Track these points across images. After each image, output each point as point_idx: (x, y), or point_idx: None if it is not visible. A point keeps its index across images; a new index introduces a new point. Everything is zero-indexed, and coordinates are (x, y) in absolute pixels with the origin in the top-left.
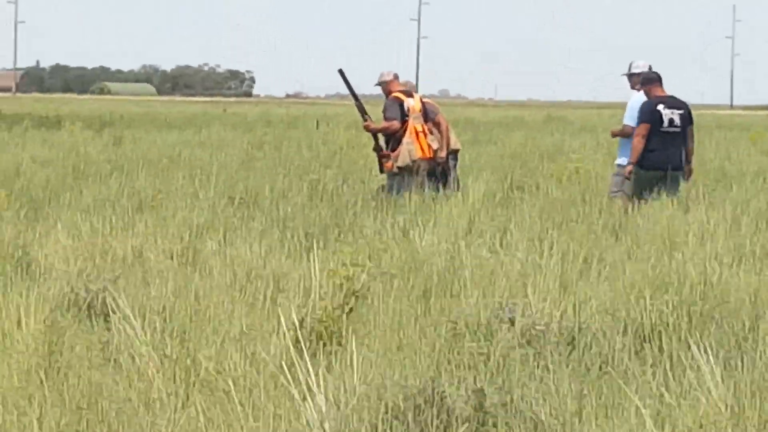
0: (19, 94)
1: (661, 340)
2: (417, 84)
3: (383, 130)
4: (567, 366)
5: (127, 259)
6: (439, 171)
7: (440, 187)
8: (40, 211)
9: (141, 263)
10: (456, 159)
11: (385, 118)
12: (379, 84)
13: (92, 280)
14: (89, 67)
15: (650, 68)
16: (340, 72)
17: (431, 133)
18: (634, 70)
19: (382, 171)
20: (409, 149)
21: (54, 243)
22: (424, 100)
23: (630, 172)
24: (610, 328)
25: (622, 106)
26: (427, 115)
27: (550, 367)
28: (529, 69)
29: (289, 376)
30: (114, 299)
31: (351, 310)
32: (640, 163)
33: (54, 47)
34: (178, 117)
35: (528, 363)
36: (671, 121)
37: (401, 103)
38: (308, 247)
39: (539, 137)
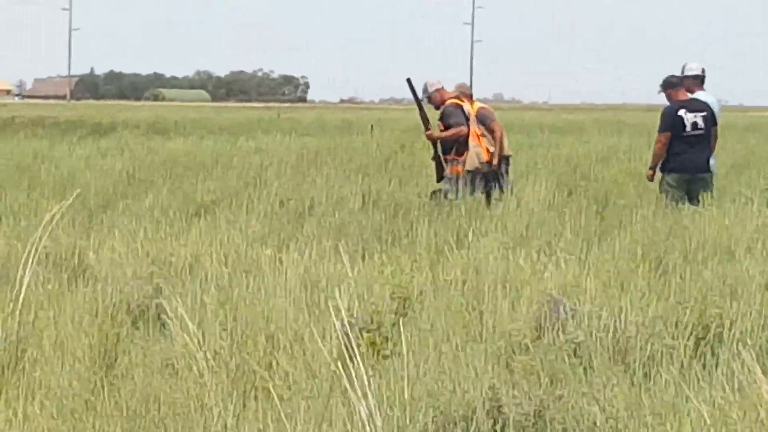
0: (73, 102)
1: (721, 344)
2: (471, 88)
3: (452, 137)
4: (624, 372)
5: (182, 265)
6: (492, 176)
7: (494, 192)
8: (95, 218)
9: (196, 269)
10: (508, 164)
11: (450, 125)
12: (429, 95)
13: (147, 286)
14: (143, 73)
15: (703, 71)
16: (408, 81)
17: (484, 136)
18: (688, 73)
19: (439, 180)
20: (477, 152)
21: (109, 250)
22: (481, 105)
23: (652, 176)
24: (666, 332)
25: None
26: (480, 119)
27: (603, 371)
28: (582, 72)
29: (343, 382)
30: (170, 305)
31: (405, 316)
32: (667, 168)
33: (108, 54)
34: (232, 122)
35: (582, 369)
36: (695, 124)
37: (462, 109)
38: (363, 253)
39: (594, 140)
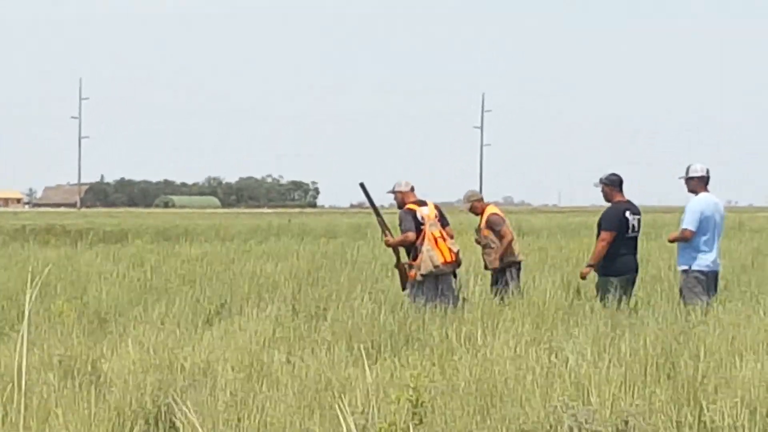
0: (83, 209)
1: None
2: (481, 191)
3: (401, 243)
4: None
5: (195, 372)
6: (503, 278)
7: (501, 292)
8: (108, 325)
9: (208, 376)
10: (519, 269)
11: (402, 231)
12: (393, 192)
13: (160, 393)
14: (153, 180)
15: (707, 172)
16: (362, 186)
17: (451, 237)
18: (692, 174)
19: (404, 288)
20: (430, 255)
21: (122, 357)
22: (492, 212)
23: (586, 275)
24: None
25: (683, 210)
26: (444, 220)
27: None
28: (592, 175)
29: None
30: (182, 412)
31: (419, 420)
32: (613, 269)
33: (118, 162)
34: (243, 229)
35: None
36: (633, 227)
37: (414, 214)
38: (375, 356)
39: None
